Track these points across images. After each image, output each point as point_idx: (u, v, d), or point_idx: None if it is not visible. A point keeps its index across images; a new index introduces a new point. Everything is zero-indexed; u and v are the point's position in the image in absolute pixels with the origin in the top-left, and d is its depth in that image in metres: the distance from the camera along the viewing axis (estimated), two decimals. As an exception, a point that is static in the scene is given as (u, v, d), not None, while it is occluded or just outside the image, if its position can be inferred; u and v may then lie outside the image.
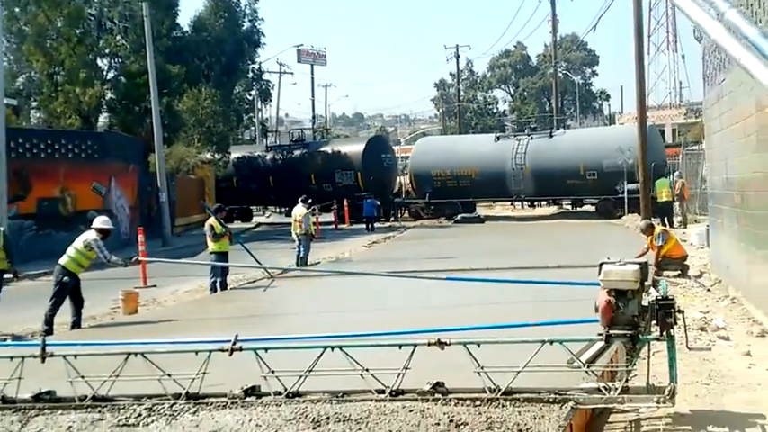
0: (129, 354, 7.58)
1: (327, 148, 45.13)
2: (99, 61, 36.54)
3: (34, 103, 39.27)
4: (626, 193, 33.29)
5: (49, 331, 12.79)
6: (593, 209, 37.72)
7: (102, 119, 38.58)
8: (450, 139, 49.08)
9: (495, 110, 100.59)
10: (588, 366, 6.90)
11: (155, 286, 19.19)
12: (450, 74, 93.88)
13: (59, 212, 28.07)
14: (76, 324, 13.24)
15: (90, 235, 13.45)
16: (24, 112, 40.36)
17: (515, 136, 40.83)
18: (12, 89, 37.38)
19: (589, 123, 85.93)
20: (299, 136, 50.30)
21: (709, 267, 15.66)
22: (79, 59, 33.47)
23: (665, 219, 26.87)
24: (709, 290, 13.44)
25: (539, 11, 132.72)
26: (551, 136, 38.86)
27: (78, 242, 13.42)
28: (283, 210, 46.58)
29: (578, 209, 40.51)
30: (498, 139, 40.84)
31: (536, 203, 42.11)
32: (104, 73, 36.71)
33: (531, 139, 38.76)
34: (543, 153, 37.36)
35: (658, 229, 16.54)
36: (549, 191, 38.14)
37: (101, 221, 13.89)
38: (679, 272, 15.49)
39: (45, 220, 26.85)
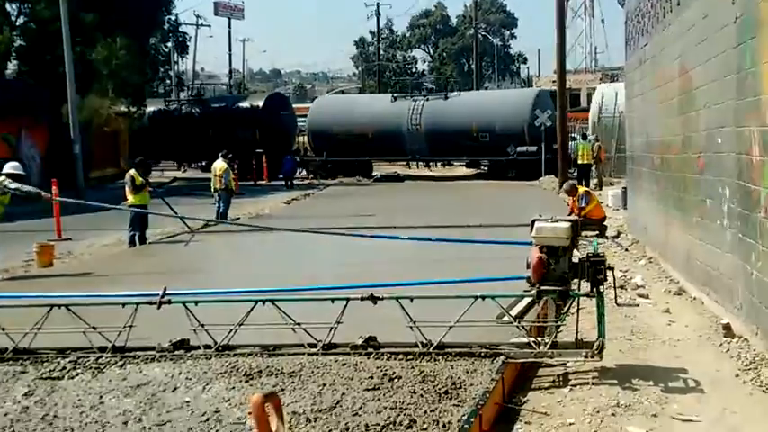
0: (53, 306, 7.38)
1: (226, 104, 44.76)
2: (8, 6, 35.07)
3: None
4: (517, 155, 34.60)
5: None
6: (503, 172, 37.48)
7: (12, 66, 37.16)
8: (347, 98, 49.41)
9: (414, 69, 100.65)
10: (519, 321, 7.02)
11: (70, 239, 18.70)
12: (371, 32, 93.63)
13: (-33, 162, 26.99)
14: None
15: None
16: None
17: (411, 96, 41.19)
18: None
19: (507, 86, 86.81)
20: (199, 90, 49.47)
21: (626, 228, 16.04)
22: (-14, 4, 32.09)
23: (583, 181, 27.38)
24: (626, 250, 13.77)
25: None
26: (446, 98, 39.30)
27: None
28: (192, 165, 46.49)
29: (476, 170, 41.09)
30: (395, 99, 40.94)
31: (431, 164, 42.72)
32: (14, 19, 35.26)
33: (427, 100, 39.21)
34: (438, 114, 37.73)
35: (581, 190, 16.77)
36: (444, 151, 38.60)
37: (11, 166, 13.41)
38: (597, 232, 15.80)
39: (-49, 170, 25.83)
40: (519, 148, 34.98)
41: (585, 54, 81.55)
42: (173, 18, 47.89)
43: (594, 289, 6.59)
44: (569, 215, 16.19)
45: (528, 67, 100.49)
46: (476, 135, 36.29)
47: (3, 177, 13.01)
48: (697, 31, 9.45)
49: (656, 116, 12.46)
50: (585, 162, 28.76)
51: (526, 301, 7.68)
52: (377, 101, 43.45)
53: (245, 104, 44.12)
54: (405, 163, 42.59)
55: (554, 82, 34.23)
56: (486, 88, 70.60)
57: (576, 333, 6.79)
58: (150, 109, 44.38)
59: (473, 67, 64.69)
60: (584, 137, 29.78)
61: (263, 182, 39.38)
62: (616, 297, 6.82)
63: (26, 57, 35.18)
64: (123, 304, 7.35)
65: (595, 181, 28.46)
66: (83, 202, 16.75)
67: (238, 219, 21.88)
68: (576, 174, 29.04)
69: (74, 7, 33.00)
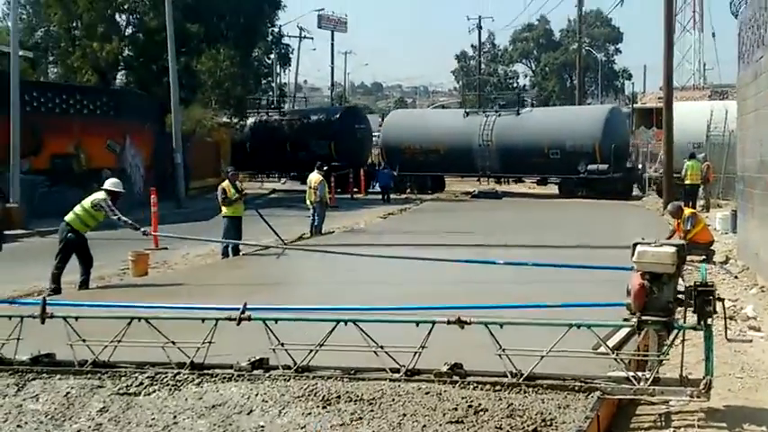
0: (133, 318, 7.23)
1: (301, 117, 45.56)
2: (117, 16, 36.08)
3: (52, 58, 38.93)
4: (587, 173, 34.53)
5: (56, 290, 12.52)
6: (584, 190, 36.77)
7: (120, 76, 38.21)
8: (420, 113, 49.34)
9: (515, 84, 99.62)
10: (617, 353, 6.51)
11: (166, 248, 18.87)
12: (472, 46, 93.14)
13: (73, 169, 27.78)
14: (84, 284, 12.92)
15: (99, 195, 13.09)
16: (42, 67, 40.04)
17: (484, 112, 41.06)
18: (30, 42, 37.07)
19: (610, 102, 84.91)
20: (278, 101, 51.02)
21: (736, 253, 15.15)
22: (97, 14, 33.04)
23: (690, 202, 26.27)
24: (736, 277, 12.97)
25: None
26: (518, 114, 39.15)
27: (87, 201, 13.08)
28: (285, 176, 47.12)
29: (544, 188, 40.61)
30: (467, 114, 40.94)
31: (501, 180, 42.90)
32: (123, 29, 36.24)
33: (499, 116, 38.87)
34: (509, 130, 37.53)
35: (687, 212, 15.98)
36: (514, 168, 38.52)
37: (111, 183, 13.50)
38: (704, 257, 15.01)
39: (58, 177, 26.54)
40: (590, 167, 34.77)
41: (694, 70, 79.29)
42: (276, 30, 48.33)
43: (702, 321, 6.03)
44: (670, 237, 15.53)
45: (633, 84, 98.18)
46: (546, 152, 36.10)
47: (103, 194, 13.08)
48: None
49: (772, 134, 11.69)
50: (693, 182, 27.59)
51: (625, 331, 7.17)
52: (449, 116, 43.66)
53: (320, 117, 44.51)
54: (476, 179, 42.54)
55: (660, 99, 33.06)
56: (590, 104, 69.15)
57: (681, 369, 6.24)
58: (251, 120, 45.00)
59: (575, 82, 63.39)
60: (692, 156, 28.59)
61: (360, 195, 39.35)
62: (726, 331, 6.25)
63: (134, 67, 36.09)
64: (203, 319, 7.14)
65: (702, 202, 27.26)
66: (177, 237, 16.83)
67: (332, 232, 21.75)
68: (684, 195, 27.88)
69: (180, 18, 33.72)
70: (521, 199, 36.25)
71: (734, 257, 15.06)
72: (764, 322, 9.55)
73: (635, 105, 49.28)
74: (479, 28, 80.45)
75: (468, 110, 43.58)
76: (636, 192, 36.15)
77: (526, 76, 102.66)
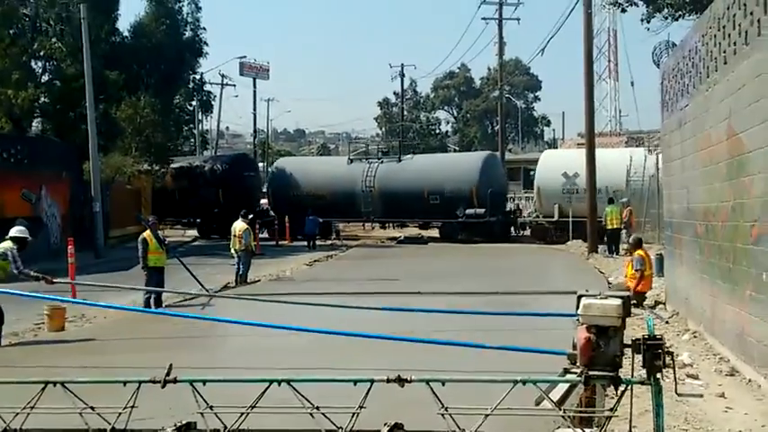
0: (48, 383, 6.70)
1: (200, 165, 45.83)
2: (33, 63, 35.14)
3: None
4: (465, 216, 36.31)
5: None
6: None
7: (36, 123, 37.17)
8: (306, 160, 51.26)
9: (437, 131, 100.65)
10: (563, 409, 6.25)
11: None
12: (395, 93, 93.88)
13: (-15, 219, 26.66)
14: None
15: (5, 244, 12.43)
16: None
17: (367, 159, 42.74)
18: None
19: (531, 148, 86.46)
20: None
21: (665, 298, 15.22)
22: (12, 61, 32.13)
23: (613, 246, 26.57)
24: (667, 322, 12.97)
25: (483, 35, 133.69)
26: (400, 160, 40.84)
27: None
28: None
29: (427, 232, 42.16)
30: (351, 161, 42.69)
31: (386, 225, 44.34)
32: (39, 76, 35.31)
33: (381, 162, 40.70)
34: (391, 177, 39.24)
35: (637, 253, 15.74)
36: (397, 212, 39.74)
37: (16, 230, 12.87)
38: (634, 302, 15.05)
39: (-31, 227, 25.41)
40: (468, 211, 36.46)
41: (610, 117, 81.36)
42: (197, 77, 47.92)
43: (651, 377, 5.82)
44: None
45: (553, 130, 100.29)
46: (426, 197, 37.73)
47: (9, 243, 12.44)
48: (750, 90, 8.80)
49: (700, 181, 11.78)
50: (614, 227, 27.95)
51: (566, 385, 6.94)
52: (334, 163, 45.48)
53: (212, 165, 44.98)
54: (361, 224, 43.48)
55: (579, 145, 33.63)
56: (510, 150, 70.21)
57: (630, 426, 6.03)
58: (173, 166, 44.30)
59: (497, 128, 64.28)
60: (612, 201, 29.02)
61: (285, 242, 38.94)
62: (676, 387, 6.06)
63: (50, 114, 35.15)
64: (125, 382, 6.65)
65: (626, 246, 27.58)
66: (78, 283, 16.18)
67: (258, 281, 21.28)
68: (605, 239, 28.23)
69: (99, 65, 33.03)
70: (447, 244, 36.22)
71: (663, 302, 15.11)
72: (701, 369, 9.48)
73: (505, 160, 51.61)
74: (402, 75, 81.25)
75: (351, 157, 44.87)
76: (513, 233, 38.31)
77: (448, 123, 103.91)
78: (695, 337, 11.51)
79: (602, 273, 20.22)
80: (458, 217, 36.73)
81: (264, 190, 46.59)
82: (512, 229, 38.55)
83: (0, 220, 27.06)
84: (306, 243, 36.14)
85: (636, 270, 15.39)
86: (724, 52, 10.11)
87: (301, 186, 41.63)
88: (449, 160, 44.48)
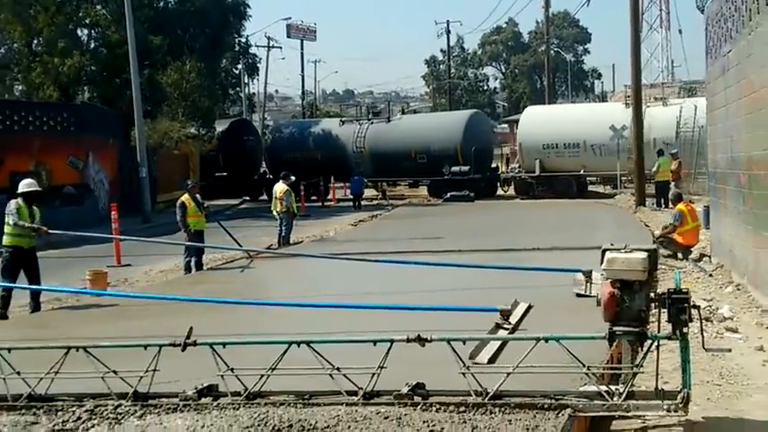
0: (70, 348, 6.73)
1: None
2: (79, 31, 35.42)
3: (14, 75, 38.18)
4: (451, 174, 37.29)
5: (1, 316, 11.87)
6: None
7: (83, 91, 37.53)
8: (301, 123, 50.93)
9: (485, 87, 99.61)
10: (587, 367, 6.06)
11: (129, 265, 18.43)
12: (441, 50, 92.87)
13: (34, 187, 27.06)
14: (35, 307, 12.31)
15: (11, 202, 12.36)
16: (6, 84, 39.31)
17: (358, 121, 43.50)
18: (-10, 59, 36.41)
19: (581, 101, 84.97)
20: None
21: (710, 251, 14.84)
22: (58, 29, 32.40)
23: (662, 198, 26.03)
24: (711, 275, 12.62)
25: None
26: (389, 121, 41.94)
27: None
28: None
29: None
30: (343, 123, 43.98)
31: (379, 184, 44.17)
32: (84, 43, 35.55)
33: (372, 123, 41.63)
34: (380, 137, 40.31)
35: (678, 207, 15.61)
36: (387, 172, 40.09)
37: (23, 184, 12.68)
38: (680, 255, 14.75)
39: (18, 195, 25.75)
40: (453, 169, 37.45)
41: (662, 68, 79.53)
42: (243, 40, 47.76)
43: (677, 331, 5.63)
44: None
45: (603, 83, 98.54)
46: (414, 156, 38.97)
47: (14, 201, 12.35)
48: (790, 33, 8.42)
49: (743, 129, 11.37)
50: (663, 179, 27.38)
51: (496, 343, 6.81)
52: (327, 125, 45.76)
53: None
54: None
55: (628, 97, 32.92)
56: (560, 103, 69.12)
57: (657, 381, 5.83)
58: (219, 130, 44.53)
59: (546, 83, 63.28)
60: (661, 152, 28.40)
61: (331, 202, 39.06)
62: (704, 342, 5.85)
63: (96, 81, 35.44)
64: (146, 346, 6.65)
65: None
66: (78, 234, 16.18)
67: (301, 242, 21.28)
68: (654, 191, 27.72)
69: (143, 31, 33.11)
70: (492, 201, 35.90)
71: (708, 254, 14.75)
72: (741, 322, 9.21)
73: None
74: (448, 32, 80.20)
75: (344, 119, 46.44)
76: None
77: (496, 79, 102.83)
78: (738, 289, 11.18)
79: (647, 226, 19.80)
80: (444, 175, 37.59)
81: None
82: (497, 185, 39.41)
83: (49, 188, 27.55)
84: (352, 203, 36.21)
85: (671, 224, 15.13)
86: (766, -7, 9.69)
87: (296, 149, 42.59)
88: (435, 120, 45.75)
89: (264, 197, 41.01)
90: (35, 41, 34.87)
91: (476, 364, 6.38)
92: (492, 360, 6.36)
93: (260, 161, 46.57)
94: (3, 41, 38.00)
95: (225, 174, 42.48)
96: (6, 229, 12.21)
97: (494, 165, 41.58)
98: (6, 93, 38.46)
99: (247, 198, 43.84)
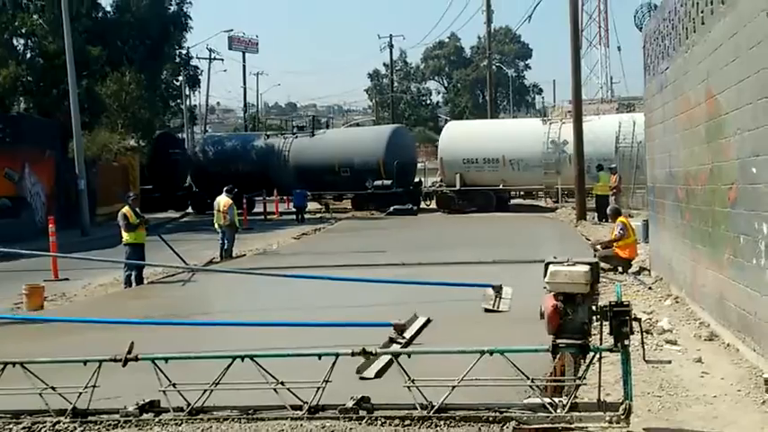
0: (7, 363, 6.56)
1: None
2: (14, 41, 34.78)
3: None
4: (373, 188, 37.96)
5: None
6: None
7: (19, 101, 36.79)
8: (227, 137, 51.06)
9: (428, 101, 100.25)
10: (532, 380, 6.11)
11: (67, 279, 18.02)
12: (384, 64, 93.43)
13: (-32, 199, 26.52)
14: None
15: None
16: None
17: (283, 134, 43.96)
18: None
19: (522, 116, 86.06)
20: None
21: (649, 264, 15.10)
22: (-7, 38, 31.77)
23: (601, 213, 26.47)
24: (650, 288, 12.83)
25: (471, 3, 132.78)
26: (313, 135, 42.23)
27: None
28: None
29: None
30: (268, 137, 44.20)
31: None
32: (20, 53, 34.90)
33: (296, 137, 42.04)
34: (304, 150, 40.71)
35: (620, 220, 15.91)
36: (311, 185, 40.08)
37: None
38: (620, 268, 14.99)
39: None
40: (375, 183, 38.09)
41: (601, 84, 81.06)
42: (183, 52, 47.43)
43: (619, 344, 5.70)
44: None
45: (543, 98, 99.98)
46: (338, 170, 39.29)
47: None
48: (726, 51, 8.62)
49: (680, 145, 11.61)
50: (602, 193, 27.87)
51: (385, 358, 6.86)
52: (251, 138, 46.12)
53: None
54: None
55: (569, 112, 33.47)
56: (501, 118, 69.90)
57: (599, 393, 5.90)
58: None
59: (488, 98, 63.92)
60: (600, 167, 28.90)
61: (274, 216, 38.91)
62: (644, 354, 5.94)
63: (33, 91, 34.78)
64: (85, 361, 6.52)
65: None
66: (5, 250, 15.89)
67: (244, 255, 21.11)
68: (594, 205, 28.18)
69: (81, 41, 32.62)
70: (435, 214, 36.09)
71: (648, 268, 15.00)
72: (681, 335, 9.36)
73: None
74: (391, 46, 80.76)
75: (268, 133, 46.80)
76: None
77: (439, 93, 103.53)
78: (677, 302, 11.39)
79: (588, 240, 20.07)
80: (367, 189, 38.15)
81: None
82: (420, 198, 39.97)
83: (-16, 200, 27.00)
84: (295, 216, 36.11)
85: (615, 235, 15.43)
86: (701, 12, 9.91)
87: (219, 162, 42.57)
88: (358, 134, 46.58)
89: (190, 210, 42.65)
90: (-31, 51, 34.15)
91: (363, 378, 6.41)
92: (379, 375, 6.38)
93: (185, 175, 46.32)
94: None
95: (150, 186, 42.29)
96: None
97: (417, 179, 42.29)
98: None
99: (190, 211, 43.38)
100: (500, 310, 10.97)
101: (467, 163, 35.82)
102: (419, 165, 46.67)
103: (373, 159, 38.29)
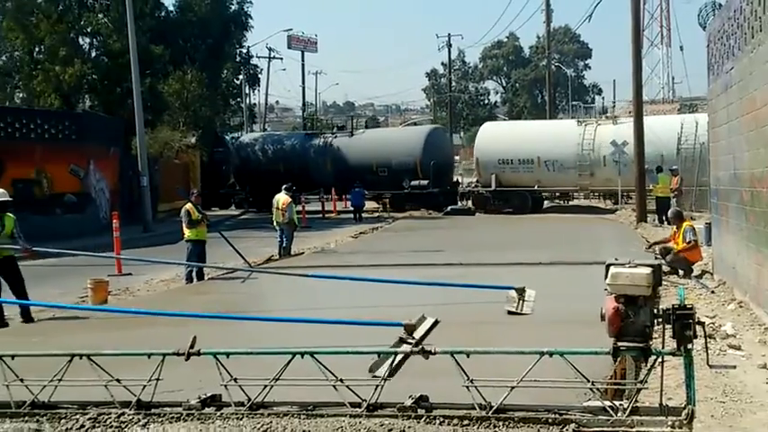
0: (74, 355, 6.72)
1: None
2: (80, 39, 35.55)
3: (16, 82, 38.30)
4: (410, 188, 38.72)
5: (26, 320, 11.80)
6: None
7: (84, 99, 37.62)
8: (264, 136, 50.73)
9: (486, 101, 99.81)
10: (592, 383, 6.07)
11: (130, 274, 18.42)
12: (442, 64, 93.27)
13: (35, 195, 27.13)
14: (24, 315, 12.19)
15: None
16: (8, 92, 39.41)
17: (322, 134, 44.84)
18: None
19: (581, 116, 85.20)
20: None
21: (712, 267, 14.84)
22: (59, 37, 32.53)
23: (663, 215, 26.06)
24: (713, 292, 12.61)
25: (531, 2, 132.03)
26: (352, 135, 42.84)
27: None
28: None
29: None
30: (308, 135, 45.17)
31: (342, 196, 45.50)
32: (86, 52, 35.66)
33: (335, 137, 42.83)
34: (343, 150, 41.58)
35: (687, 223, 15.65)
36: (349, 184, 39.80)
37: None
38: (682, 272, 14.75)
39: (20, 203, 25.55)
40: (412, 182, 38.78)
41: (662, 84, 79.78)
42: (244, 51, 48.00)
43: (682, 347, 5.63)
44: (667, 241, 15.34)
45: (603, 98, 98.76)
46: (375, 169, 39.93)
47: None
48: (794, 51, 8.44)
49: (745, 146, 11.38)
50: (663, 195, 27.42)
51: (399, 357, 6.79)
52: (291, 138, 46.72)
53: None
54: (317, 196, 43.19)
55: (630, 113, 33.07)
56: (561, 118, 69.38)
57: (661, 397, 5.83)
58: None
59: (546, 98, 63.45)
60: (660, 169, 28.44)
61: (332, 214, 39.16)
62: (708, 359, 5.85)
63: (98, 89, 35.52)
64: (149, 354, 6.65)
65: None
66: (54, 251, 16.07)
67: (302, 253, 21.27)
68: (655, 207, 27.77)
69: (144, 41, 33.21)
70: (496, 216, 35.94)
71: (710, 271, 14.74)
72: (744, 340, 9.18)
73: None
74: (449, 45, 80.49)
75: (308, 132, 47.72)
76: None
77: (497, 93, 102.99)
78: (741, 306, 11.17)
79: (648, 242, 19.79)
80: (404, 188, 38.75)
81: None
82: (456, 199, 40.21)
83: (50, 196, 27.62)
84: (352, 215, 36.30)
85: (688, 241, 15.08)
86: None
87: (260, 160, 43.57)
88: (396, 134, 47.27)
89: (234, 209, 43.44)
90: (36, 49, 35.01)
91: (375, 377, 6.40)
92: (391, 374, 6.38)
93: (229, 173, 46.95)
94: (4, 49, 38.12)
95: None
96: None
97: (455, 179, 42.91)
98: (8, 100, 38.54)
99: (253, 210, 43.82)
100: (523, 312, 10.94)
101: (502, 164, 36.06)
102: (470, 165, 46.98)
103: (410, 159, 38.98)
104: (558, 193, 39.28)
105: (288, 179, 39.46)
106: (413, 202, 38.34)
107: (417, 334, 8.62)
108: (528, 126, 44.00)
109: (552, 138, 35.53)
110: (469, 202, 38.91)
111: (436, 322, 9.18)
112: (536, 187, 35.91)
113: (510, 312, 10.93)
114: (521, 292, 11.20)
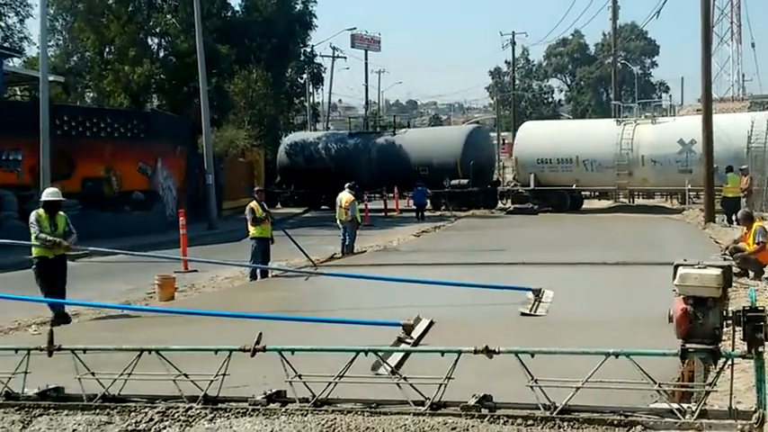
0: (143, 350, 6.86)
1: None
2: (149, 40, 36.27)
3: (86, 82, 39.22)
4: (450, 187, 39.25)
5: (59, 319, 11.84)
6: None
7: (152, 99, 38.35)
8: (309, 135, 50.70)
9: (550, 99, 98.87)
10: (659, 384, 5.98)
11: (195, 271, 18.68)
12: (506, 62, 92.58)
13: (104, 193, 27.75)
14: (62, 320, 11.98)
15: (32, 213, 12.34)
16: (78, 91, 40.41)
17: (367, 133, 46.15)
18: (65, 67, 37.42)
19: (646, 115, 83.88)
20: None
21: (783, 269, 14.51)
22: (129, 38, 33.23)
23: (732, 215, 25.52)
24: (784, 294, 12.33)
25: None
26: (394, 134, 43.97)
27: None
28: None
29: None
30: (352, 135, 45.82)
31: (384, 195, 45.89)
32: (154, 52, 36.35)
33: (380, 136, 44.31)
34: (387, 149, 42.60)
35: (757, 224, 15.24)
36: (394, 182, 41.26)
37: (48, 193, 12.59)
38: (752, 274, 14.43)
39: (89, 200, 26.35)
40: (453, 182, 39.38)
41: (732, 82, 78.04)
42: (308, 50, 48.39)
43: (753, 350, 5.51)
44: (737, 242, 15.03)
45: (671, 96, 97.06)
46: (417, 169, 40.57)
47: (35, 212, 12.32)
48: None
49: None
50: (733, 195, 26.82)
51: (398, 356, 6.73)
52: (336, 137, 47.00)
53: None
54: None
55: (698, 110, 32.46)
56: (626, 117, 68.47)
57: (731, 400, 5.72)
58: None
59: (611, 96, 62.64)
60: (730, 168, 27.83)
61: (394, 213, 39.23)
62: (779, 361, 5.72)
63: (165, 89, 36.17)
64: (216, 350, 6.75)
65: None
66: (95, 250, 16.25)
67: (364, 252, 21.35)
68: (723, 207, 27.21)
69: (211, 40, 33.71)
70: (557, 214, 35.61)
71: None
72: (817, 344, 8.94)
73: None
74: (513, 43, 79.75)
75: (352, 132, 48.14)
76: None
77: (561, 91, 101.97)
78: (813, 310, 10.89)
79: (717, 243, 19.42)
80: (444, 187, 39.14)
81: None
82: (497, 198, 41.04)
83: (119, 194, 28.22)
84: (414, 213, 36.32)
85: (758, 242, 14.73)
86: None
87: (306, 159, 44.38)
88: (437, 134, 47.74)
89: (279, 207, 43.57)
90: (107, 50, 35.82)
91: (378, 375, 6.39)
92: (394, 372, 6.36)
93: (275, 172, 47.23)
94: (75, 50, 39.08)
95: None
96: (32, 239, 12.14)
97: (495, 178, 43.70)
98: (78, 100, 39.49)
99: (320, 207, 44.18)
100: (537, 314, 10.81)
101: (541, 163, 36.40)
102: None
103: (451, 159, 39.70)
104: (597, 192, 39.64)
105: (337, 177, 40.11)
106: (453, 201, 39.02)
107: (415, 334, 8.64)
108: (567, 126, 44.64)
109: (591, 137, 35.76)
110: (509, 201, 39.34)
111: (431, 323, 9.16)
112: (574, 186, 36.10)
113: (524, 314, 10.83)
114: (537, 293, 11.12)
